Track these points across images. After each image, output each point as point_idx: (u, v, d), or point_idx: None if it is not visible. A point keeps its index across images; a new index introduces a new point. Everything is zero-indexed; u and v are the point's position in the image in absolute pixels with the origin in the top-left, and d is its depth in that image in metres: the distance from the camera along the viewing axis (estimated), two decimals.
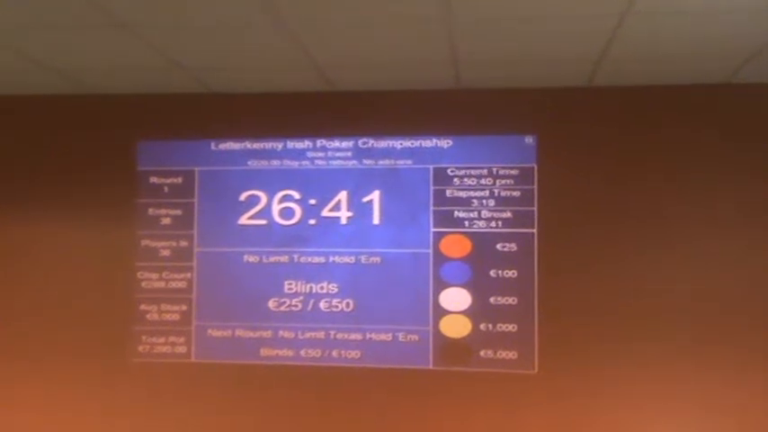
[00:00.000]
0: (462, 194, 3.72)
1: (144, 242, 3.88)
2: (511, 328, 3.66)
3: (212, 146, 3.88)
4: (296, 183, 3.82)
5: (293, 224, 3.81)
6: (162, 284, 3.85)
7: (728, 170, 3.58)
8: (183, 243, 3.85)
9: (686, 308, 3.55)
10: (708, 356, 3.53)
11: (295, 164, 3.83)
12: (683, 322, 3.55)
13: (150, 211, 3.89)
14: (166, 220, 3.87)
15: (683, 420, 3.53)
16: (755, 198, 3.55)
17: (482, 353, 3.67)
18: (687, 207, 3.59)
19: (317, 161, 3.82)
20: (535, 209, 3.67)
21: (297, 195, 3.82)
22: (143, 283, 3.86)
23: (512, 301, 3.67)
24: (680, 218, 3.59)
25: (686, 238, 3.58)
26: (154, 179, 3.90)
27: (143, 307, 3.86)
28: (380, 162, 3.78)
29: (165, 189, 3.88)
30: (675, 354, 3.55)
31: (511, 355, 3.66)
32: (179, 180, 3.88)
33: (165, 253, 3.86)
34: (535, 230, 3.66)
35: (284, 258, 3.80)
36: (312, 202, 3.81)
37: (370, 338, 3.72)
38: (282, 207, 3.82)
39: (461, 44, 3.09)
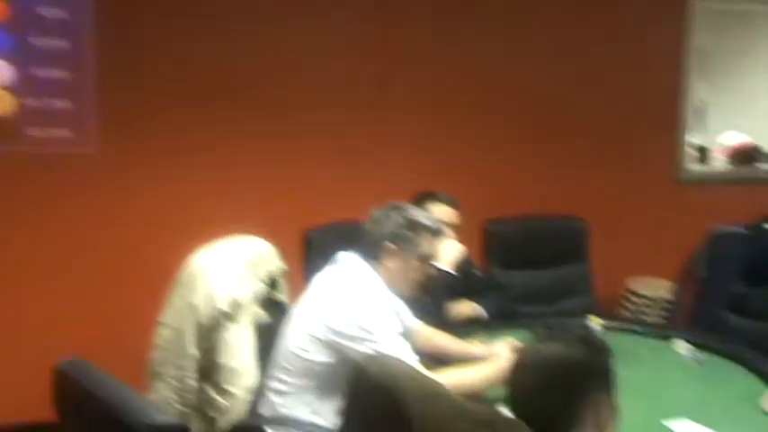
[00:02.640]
0: None
1: None
2: (64, 104, 3.25)
3: None
4: None
5: None
6: None
7: None
8: None
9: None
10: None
11: None
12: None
13: None
14: None
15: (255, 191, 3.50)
16: None
17: (29, 131, 3.21)
18: None
19: None
20: None
21: None
22: None
23: (65, 75, 3.25)
24: None
25: None
26: None
27: None
28: None
29: None
30: (251, 122, 3.46)
31: (65, 133, 3.26)
32: None
33: None
34: None
35: None
36: None
37: None
38: None
39: None
